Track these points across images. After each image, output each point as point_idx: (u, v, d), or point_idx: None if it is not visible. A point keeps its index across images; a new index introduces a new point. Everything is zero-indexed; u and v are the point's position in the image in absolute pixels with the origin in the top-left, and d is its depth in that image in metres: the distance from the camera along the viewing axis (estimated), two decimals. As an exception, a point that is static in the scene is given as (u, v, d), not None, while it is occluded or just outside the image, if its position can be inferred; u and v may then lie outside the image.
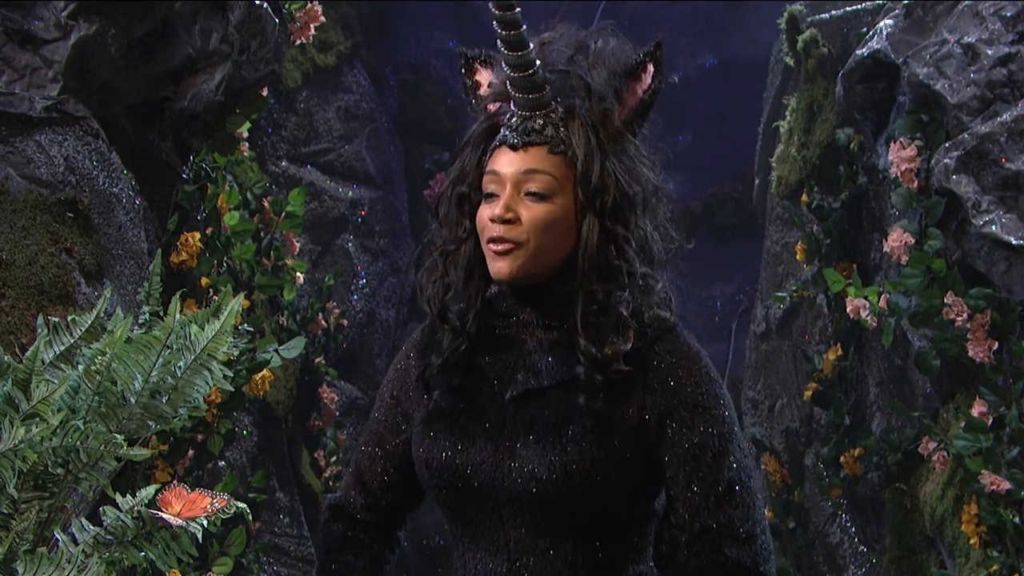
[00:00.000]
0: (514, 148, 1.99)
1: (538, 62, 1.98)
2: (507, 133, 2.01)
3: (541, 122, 2.00)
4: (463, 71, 2.16)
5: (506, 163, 2.00)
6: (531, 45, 1.96)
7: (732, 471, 1.95)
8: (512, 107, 2.03)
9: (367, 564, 2.17)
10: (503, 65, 2.00)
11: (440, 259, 2.08)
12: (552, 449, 1.93)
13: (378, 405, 2.19)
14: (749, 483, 1.96)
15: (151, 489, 2.29)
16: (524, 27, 1.95)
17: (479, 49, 2.11)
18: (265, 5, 4.11)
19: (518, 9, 1.93)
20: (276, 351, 4.43)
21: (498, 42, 1.97)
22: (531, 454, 1.94)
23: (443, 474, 2.02)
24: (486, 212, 2.00)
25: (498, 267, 1.99)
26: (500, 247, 1.98)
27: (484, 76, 2.12)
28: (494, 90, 2.08)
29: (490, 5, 1.93)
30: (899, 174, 4.23)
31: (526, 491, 1.94)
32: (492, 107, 2.07)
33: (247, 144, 4.92)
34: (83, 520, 2.29)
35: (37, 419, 2.23)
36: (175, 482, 2.41)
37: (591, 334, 1.96)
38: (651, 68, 2.02)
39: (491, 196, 2.01)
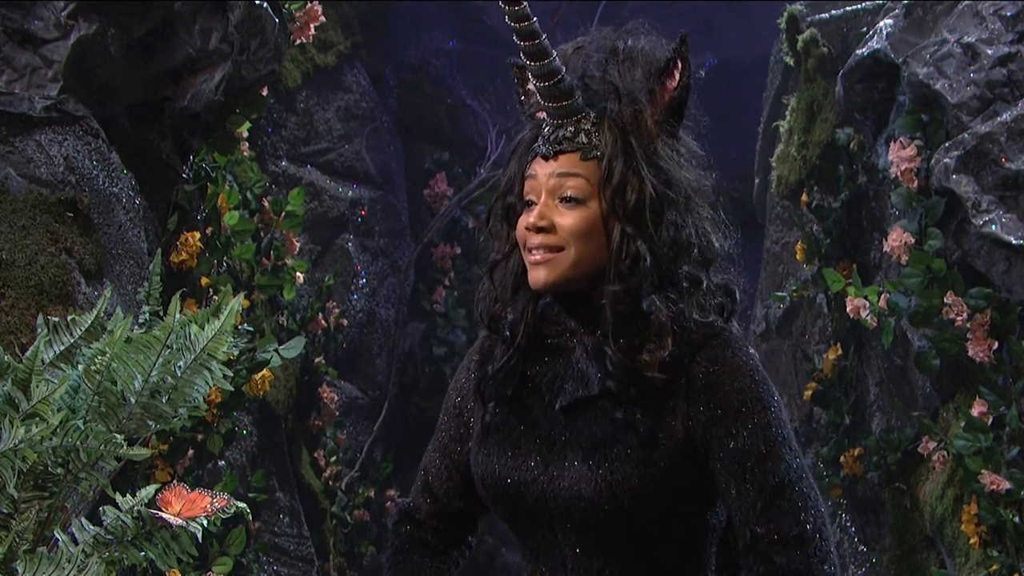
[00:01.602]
0: (546, 157, 1.99)
1: (564, 69, 1.97)
2: (540, 142, 2.01)
3: (572, 129, 1.99)
4: (516, 81, 2.14)
5: (540, 171, 2.00)
6: (553, 53, 1.95)
7: (780, 476, 1.91)
8: (545, 115, 2.02)
9: (434, 565, 2.18)
10: (530, 77, 1.99)
11: (487, 272, 2.09)
12: (598, 468, 1.92)
13: (443, 414, 2.20)
14: (800, 486, 1.92)
15: (151, 489, 2.30)
16: (544, 37, 1.93)
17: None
18: (265, 5, 4.11)
19: (535, 20, 1.92)
20: (276, 351, 4.42)
21: (521, 54, 1.96)
22: (578, 474, 1.94)
23: (498, 491, 2.02)
24: (523, 220, 2.00)
25: (535, 276, 1.99)
26: (537, 256, 1.98)
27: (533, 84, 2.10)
28: (536, 99, 2.06)
29: (506, 19, 1.92)
30: (899, 174, 4.23)
31: (576, 510, 1.93)
32: (540, 115, 2.06)
33: (247, 144, 4.91)
34: (83, 520, 2.29)
35: (37, 419, 2.24)
36: (175, 482, 2.41)
37: (622, 342, 1.94)
38: (679, 64, 2.00)
39: (530, 204, 2.01)
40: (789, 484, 1.91)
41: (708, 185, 2.05)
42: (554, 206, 1.98)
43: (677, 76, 2.00)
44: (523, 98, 2.12)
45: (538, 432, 2.01)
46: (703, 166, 2.06)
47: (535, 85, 1.99)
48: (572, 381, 2.00)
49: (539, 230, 1.97)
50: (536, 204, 1.99)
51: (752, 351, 2.01)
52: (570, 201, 1.98)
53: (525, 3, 1.90)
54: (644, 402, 1.94)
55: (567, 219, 1.97)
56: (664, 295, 1.96)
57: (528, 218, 1.99)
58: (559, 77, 1.96)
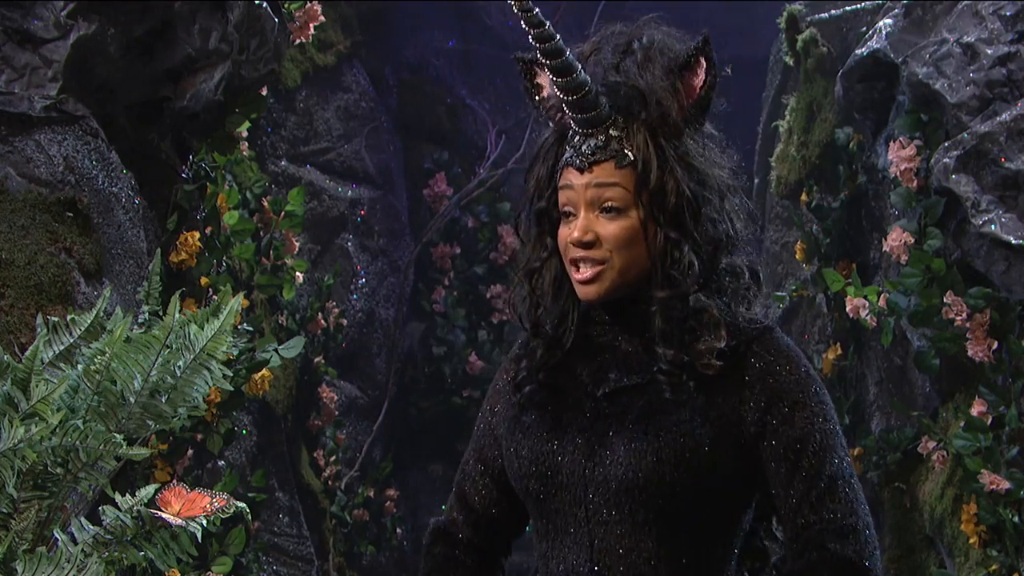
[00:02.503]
0: (581, 170, 1.98)
1: (589, 80, 1.95)
2: (572, 154, 2.00)
3: (603, 138, 1.98)
4: (523, 76, 2.11)
5: (576, 181, 1.99)
6: (579, 66, 1.94)
7: (834, 466, 1.92)
8: (572, 124, 2.01)
9: None
10: (558, 91, 1.97)
11: (525, 277, 2.08)
12: (644, 436, 1.92)
13: (479, 422, 2.18)
14: (852, 480, 1.94)
15: (150, 489, 2.30)
16: (568, 53, 1.92)
17: (532, 53, 2.01)
18: (264, 5, 4.11)
19: (559, 38, 1.90)
20: (275, 350, 4.42)
21: (548, 72, 1.94)
22: (623, 441, 1.93)
23: (533, 463, 2.00)
24: (564, 233, 2.00)
25: (585, 292, 1.99)
26: (586, 274, 1.98)
27: (545, 78, 2.07)
28: (555, 101, 2.04)
29: (531, 40, 1.90)
30: (898, 173, 4.23)
31: (615, 479, 1.92)
32: (559, 118, 2.05)
33: (246, 143, 4.92)
34: (82, 520, 2.29)
35: (36, 418, 2.24)
36: (174, 482, 2.42)
37: (672, 342, 1.95)
38: (704, 63, 2.00)
39: (568, 215, 2.00)
40: (842, 476, 1.93)
41: (736, 172, 2.06)
42: (595, 218, 1.98)
43: (702, 75, 2.00)
44: (534, 93, 2.09)
45: (580, 409, 2.00)
46: (726, 151, 2.06)
47: (561, 98, 1.97)
48: (616, 371, 2.00)
49: (583, 245, 1.97)
50: (574, 216, 1.99)
51: (800, 349, 2.03)
52: (611, 211, 1.97)
53: (549, 24, 1.89)
54: (697, 389, 1.94)
55: (609, 229, 1.97)
56: (709, 290, 1.98)
57: (573, 233, 1.98)
58: (587, 89, 1.95)
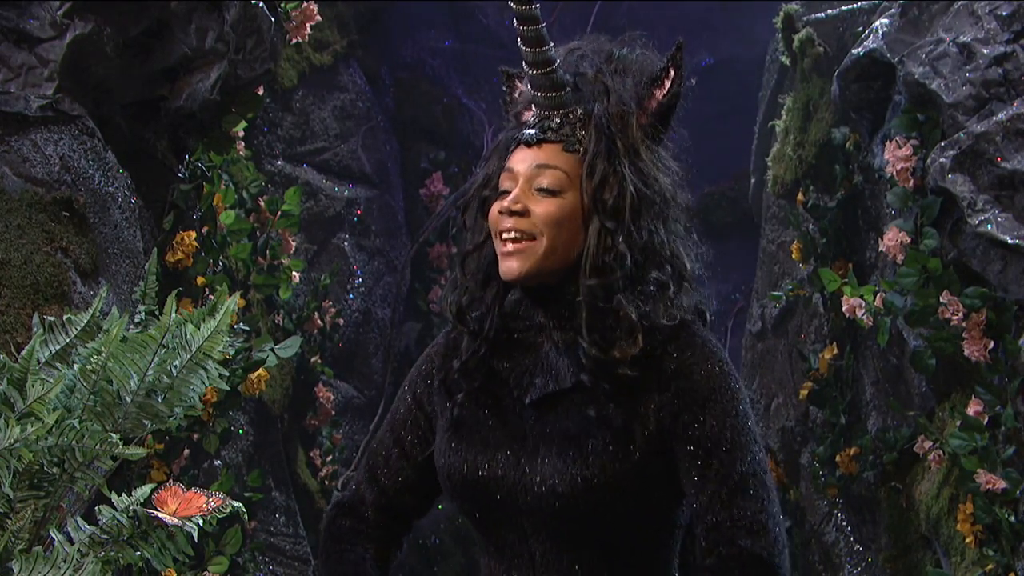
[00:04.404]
0: (529, 145, 2.01)
1: (558, 61, 1.99)
2: (525, 131, 2.02)
3: (559, 121, 2.01)
4: (504, 87, 2.16)
5: (520, 159, 2.01)
6: (551, 43, 1.97)
7: (746, 464, 1.94)
8: (533, 107, 2.03)
9: (372, 558, 2.15)
10: (524, 64, 2.00)
11: (459, 263, 2.09)
12: (572, 463, 1.93)
13: (397, 405, 2.18)
14: (763, 477, 1.95)
15: (147, 488, 2.29)
16: (543, 24, 1.95)
17: (519, 69, 2.08)
18: (261, 4, 4.11)
19: (536, 5, 1.93)
20: (272, 350, 4.43)
21: (518, 40, 1.97)
22: (551, 468, 1.94)
23: (465, 486, 2.02)
24: (496, 206, 2.01)
25: (508, 266, 1.99)
26: (510, 247, 1.98)
27: (523, 87, 2.12)
28: (523, 98, 2.08)
29: (510, 3, 1.92)
30: (895, 173, 4.23)
31: (548, 505, 1.94)
32: (524, 116, 2.08)
33: (243, 143, 4.91)
34: (79, 519, 2.29)
35: (33, 418, 2.23)
36: (171, 481, 2.42)
37: (596, 336, 1.95)
38: (672, 72, 2.03)
39: (504, 193, 2.02)
40: (754, 474, 1.94)
41: (684, 199, 2.07)
42: (530, 194, 1.99)
43: (667, 84, 2.02)
44: (510, 104, 2.13)
45: (509, 426, 2.01)
46: (680, 183, 2.07)
47: (528, 73, 2.00)
48: (542, 376, 2.00)
49: (512, 214, 1.98)
50: (511, 192, 2.00)
51: (718, 343, 2.02)
52: (546, 191, 1.99)
53: None
54: (617, 397, 1.95)
55: (541, 207, 1.98)
56: (633, 294, 1.98)
57: (502, 202, 1.99)
58: (552, 67, 1.98)
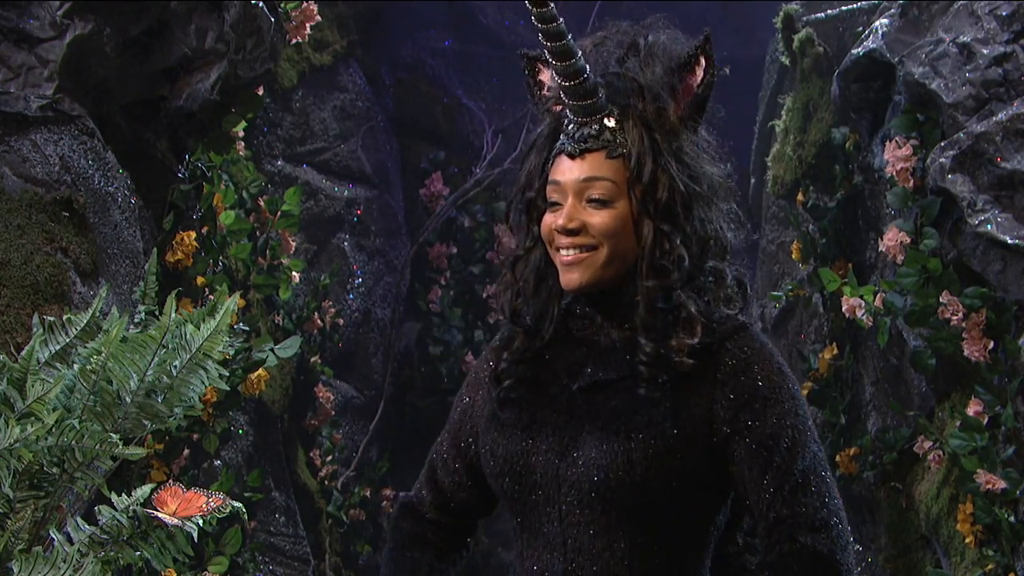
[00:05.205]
0: (572, 156, 2.00)
1: (588, 68, 1.98)
2: (564, 141, 2.02)
3: (597, 127, 2.00)
4: (526, 72, 2.15)
5: (566, 171, 2.01)
6: (579, 52, 1.96)
7: (807, 461, 1.94)
8: (568, 113, 2.03)
9: (432, 562, 2.17)
10: (554, 74, 2.00)
11: (509, 266, 2.10)
12: (616, 437, 1.93)
13: (455, 407, 2.20)
14: (824, 475, 1.96)
15: (147, 488, 2.30)
16: (569, 37, 1.94)
17: (539, 50, 2.06)
18: (261, 4, 4.11)
19: (561, 21, 1.92)
20: (272, 350, 4.42)
21: (546, 53, 1.96)
22: (595, 441, 1.94)
23: (508, 462, 2.02)
24: (549, 220, 2.02)
25: (568, 278, 2.01)
26: (569, 257, 1.99)
27: (547, 75, 2.11)
28: (554, 93, 2.07)
29: (532, 19, 1.92)
30: (895, 173, 4.23)
31: (587, 479, 1.94)
32: (556, 108, 2.07)
33: (243, 143, 4.91)
34: (78, 519, 2.29)
35: (33, 418, 2.23)
36: (171, 481, 2.41)
37: (653, 334, 1.96)
38: (703, 61, 2.02)
39: (555, 205, 2.02)
40: (814, 471, 1.95)
41: (728, 177, 2.08)
42: (581, 207, 2.00)
43: (700, 73, 2.02)
44: (536, 89, 2.12)
45: (554, 407, 2.02)
46: (721, 158, 2.08)
47: (559, 84, 2.00)
48: (593, 366, 2.01)
49: (569, 232, 1.99)
50: (561, 206, 2.00)
51: (773, 347, 2.04)
52: (597, 202, 1.99)
53: (552, 5, 1.91)
54: (671, 385, 1.95)
55: (596, 218, 1.99)
56: (691, 289, 2.00)
57: (557, 220, 2.00)
58: (584, 77, 1.97)
